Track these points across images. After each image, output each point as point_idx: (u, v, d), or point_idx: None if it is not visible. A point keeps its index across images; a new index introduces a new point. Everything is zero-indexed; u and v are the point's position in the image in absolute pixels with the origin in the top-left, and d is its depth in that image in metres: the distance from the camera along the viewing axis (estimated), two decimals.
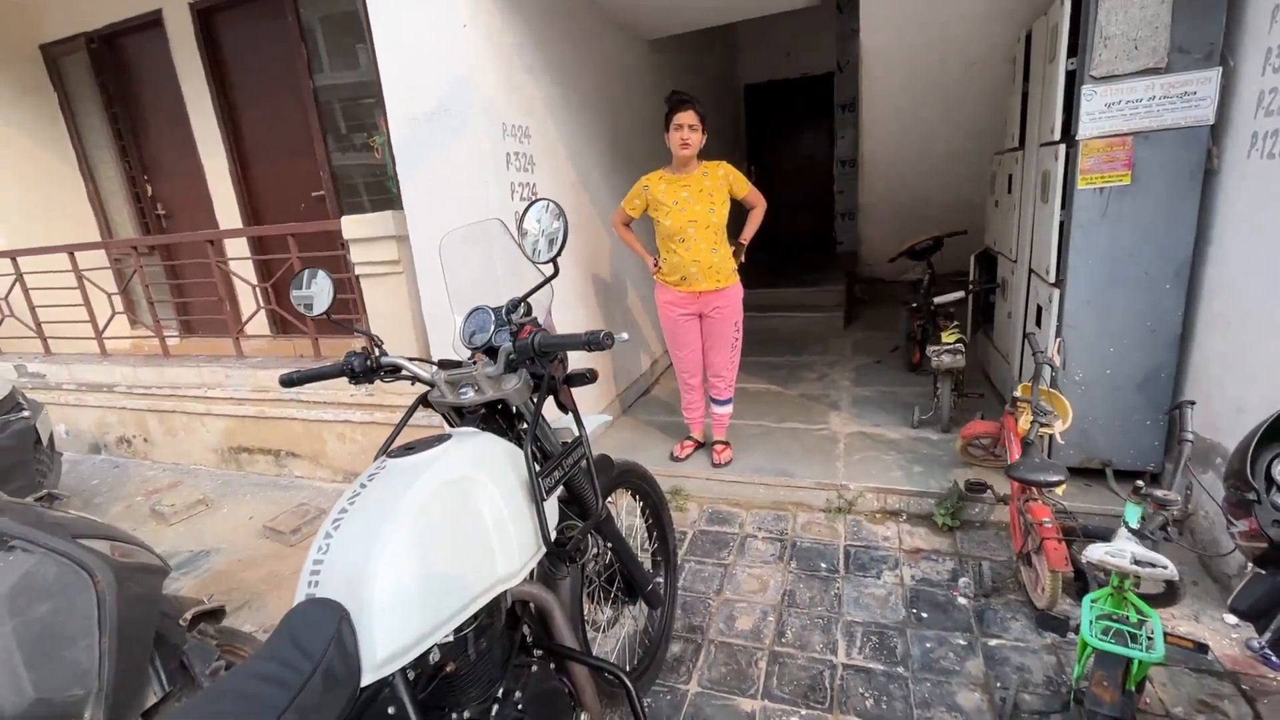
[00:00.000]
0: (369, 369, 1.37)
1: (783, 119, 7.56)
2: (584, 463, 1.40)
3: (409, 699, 0.93)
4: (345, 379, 1.38)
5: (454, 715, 1.07)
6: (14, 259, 3.98)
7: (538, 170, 2.83)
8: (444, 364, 1.35)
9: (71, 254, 3.77)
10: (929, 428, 3.13)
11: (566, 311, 3.13)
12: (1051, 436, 2.30)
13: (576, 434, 1.40)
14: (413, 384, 1.36)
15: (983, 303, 3.65)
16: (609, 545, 1.59)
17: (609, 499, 1.67)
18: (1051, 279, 2.45)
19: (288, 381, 1.40)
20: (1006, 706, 1.64)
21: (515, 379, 1.25)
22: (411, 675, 0.98)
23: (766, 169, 7.74)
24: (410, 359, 1.40)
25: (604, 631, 1.78)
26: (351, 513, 0.97)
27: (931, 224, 4.84)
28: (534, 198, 2.81)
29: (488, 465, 1.12)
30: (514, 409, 1.33)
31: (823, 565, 2.35)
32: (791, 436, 3.23)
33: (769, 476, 2.82)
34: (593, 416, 1.67)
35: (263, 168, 4.45)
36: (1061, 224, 2.35)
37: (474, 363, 1.30)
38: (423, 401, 1.36)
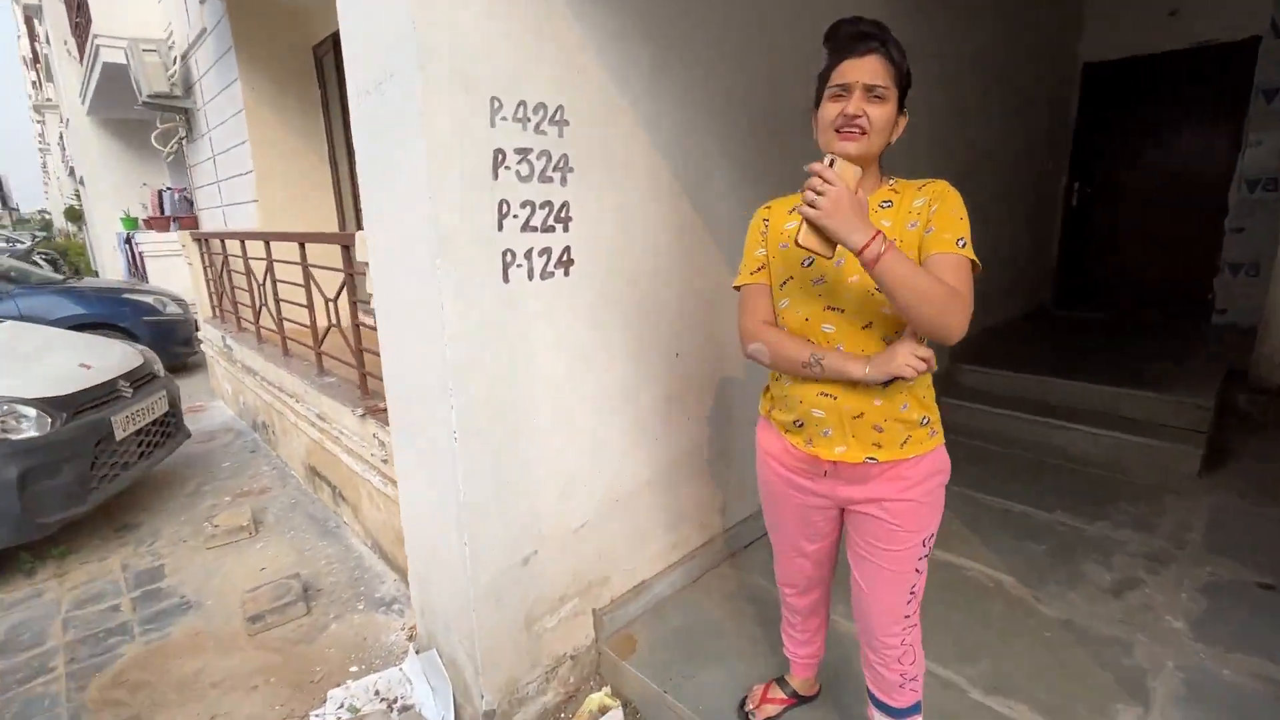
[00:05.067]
0: None
1: (1144, 114, 5.00)
2: None
3: None
4: None
5: None
6: (223, 241, 4.31)
7: (579, 180, 1.66)
8: None
9: (242, 242, 3.87)
10: None
11: (651, 409, 1.95)
12: None
13: None
14: None
15: None
16: None
17: None
18: None
19: None
20: None
21: None
22: None
23: (1103, 187, 5.25)
24: None
25: None
26: None
27: None
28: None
29: None
30: None
31: None
32: None
33: None
34: None
35: None
36: None
37: None
38: None
